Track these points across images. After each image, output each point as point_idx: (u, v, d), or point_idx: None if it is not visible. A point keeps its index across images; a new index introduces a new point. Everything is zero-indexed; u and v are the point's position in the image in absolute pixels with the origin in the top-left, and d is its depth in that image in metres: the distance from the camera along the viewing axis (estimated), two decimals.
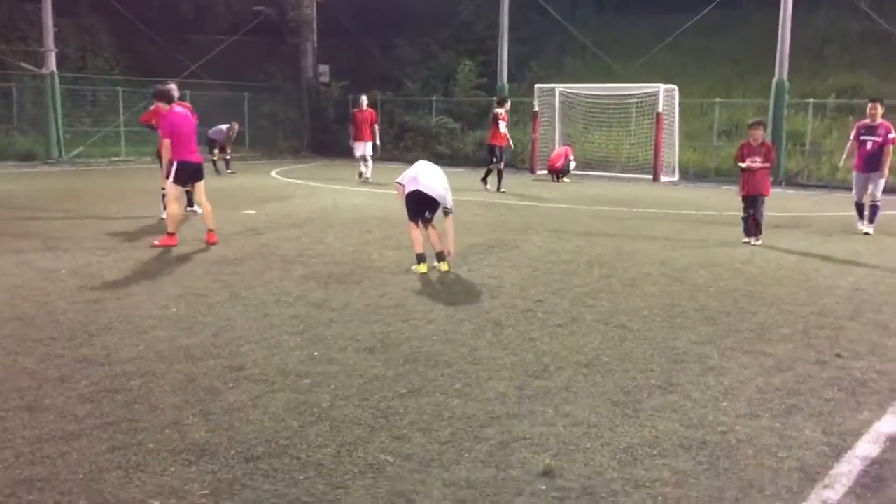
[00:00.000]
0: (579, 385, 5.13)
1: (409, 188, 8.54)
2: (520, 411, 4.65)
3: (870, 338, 6.39)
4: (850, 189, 18.37)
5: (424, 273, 8.50)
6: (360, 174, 19.59)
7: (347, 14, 29.67)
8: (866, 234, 12.06)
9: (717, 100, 22.98)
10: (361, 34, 29.86)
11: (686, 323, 6.76)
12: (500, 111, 18.11)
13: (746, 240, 11.02)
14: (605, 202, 16.38)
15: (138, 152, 25.05)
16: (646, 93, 22.27)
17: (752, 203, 10.98)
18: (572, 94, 24.07)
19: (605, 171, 23.21)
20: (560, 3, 27.60)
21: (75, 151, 23.41)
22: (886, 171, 12.26)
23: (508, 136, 18.44)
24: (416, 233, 8.65)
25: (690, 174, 22.60)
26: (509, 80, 26.05)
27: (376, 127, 19.60)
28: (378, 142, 19.67)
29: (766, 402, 4.89)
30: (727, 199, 15.70)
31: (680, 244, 10.84)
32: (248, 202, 14.66)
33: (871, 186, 12.23)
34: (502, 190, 17.84)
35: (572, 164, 21.65)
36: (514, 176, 23.28)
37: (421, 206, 8.57)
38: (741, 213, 11.27)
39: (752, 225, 11.03)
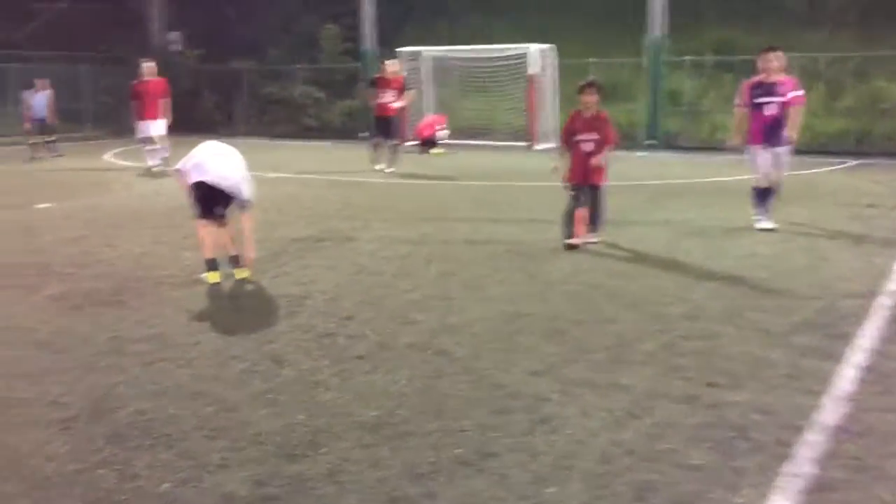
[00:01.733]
0: (352, 468, 3.55)
1: (194, 178, 6.74)
2: None
3: (750, 350, 5.06)
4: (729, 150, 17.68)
5: (216, 283, 6.76)
6: (151, 167, 15.15)
7: None
8: (770, 230, 8.79)
9: (592, 60, 21.75)
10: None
11: (528, 341, 5.28)
12: (384, 75, 15.35)
13: (569, 241, 7.90)
14: (473, 176, 14.88)
15: None
16: (519, 54, 20.84)
17: (584, 194, 8.05)
18: (443, 57, 22.42)
19: (482, 139, 21.74)
20: None
21: None
22: (792, 135, 8.83)
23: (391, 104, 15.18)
24: (206, 233, 6.87)
25: None
26: (381, 45, 24.19)
27: (167, 101, 15.26)
28: (169, 119, 15.31)
29: (607, 482, 3.42)
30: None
31: (543, 225, 9.12)
32: (53, 192, 12.48)
33: (775, 165, 8.96)
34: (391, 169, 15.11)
35: (443, 133, 20.08)
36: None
37: (209, 199, 6.79)
38: (567, 206, 8.17)
39: (578, 220, 7.99)
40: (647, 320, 5.72)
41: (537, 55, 20.29)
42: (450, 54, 22.21)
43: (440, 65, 22.61)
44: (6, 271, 7.29)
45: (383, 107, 15.07)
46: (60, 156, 18.34)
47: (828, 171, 13.87)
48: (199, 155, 6.85)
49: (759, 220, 8.98)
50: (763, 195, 9.04)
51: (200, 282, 6.79)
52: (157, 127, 15.10)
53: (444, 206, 11.27)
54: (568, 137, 8.23)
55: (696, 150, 18.90)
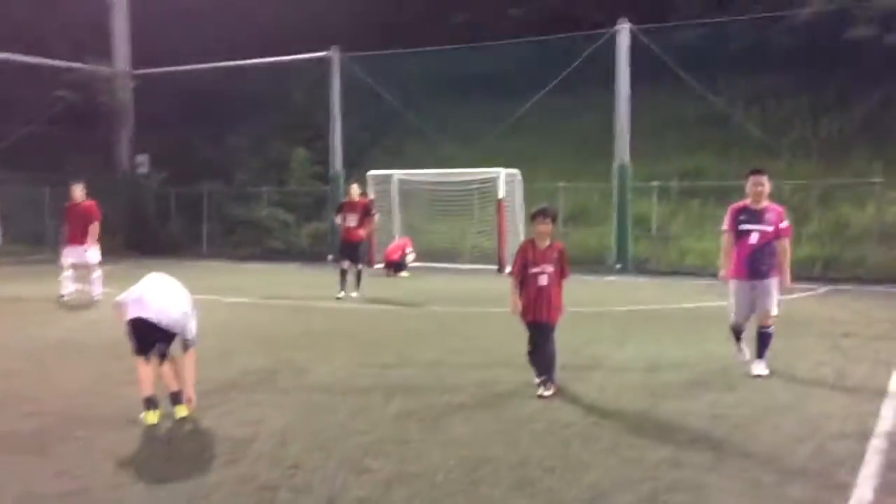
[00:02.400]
0: None
1: (133, 313, 6.25)
2: None
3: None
4: (699, 275, 17.61)
5: (153, 424, 6.15)
6: (61, 295, 14.06)
7: (169, 100, 27.26)
8: (756, 376, 7.84)
9: (561, 184, 21.90)
10: (186, 122, 27.47)
11: (493, 493, 4.73)
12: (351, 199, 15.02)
13: (541, 392, 7.04)
14: (440, 301, 14.47)
15: None
16: (487, 178, 20.91)
17: (541, 333, 7.22)
18: (411, 181, 22.46)
19: (450, 262, 21.50)
20: (398, 87, 26.29)
21: None
22: (786, 277, 8.02)
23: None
24: (145, 370, 6.31)
25: None
26: (350, 168, 24.27)
27: (95, 225, 14.29)
28: (96, 245, 14.32)
29: None
30: (575, 290, 13.87)
31: (514, 356, 8.59)
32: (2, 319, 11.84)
33: (758, 302, 7.99)
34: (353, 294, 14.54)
35: (410, 257, 19.83)
36: None
37: (150, 336, 6.28)
38: (526, 347, 7.33)
39: (541, 364, 7.21)
40: (626, 467, 5.21)
41: (504, 179, 20.36)
42: (419, 177, 22.26)
43: (408, 188, 22.63)
44: None
45: (349, 231, 14.78)
46: None
47: (799, 298, 13.66)
48: (140, 289, 6.40)
49: (740, 356, 8.28)
50: (738, 331, 8.27)
51: (137, 423, 6.18)
52: (78, 253, 14.20)
53: (409, 334, 10.81)
54: (521, 270, 7.24)
55: (665, 274, 18.77)
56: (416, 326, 11.55)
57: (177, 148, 27.51)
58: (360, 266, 14.94)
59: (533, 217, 7.35)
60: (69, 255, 14.36)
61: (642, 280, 18.13)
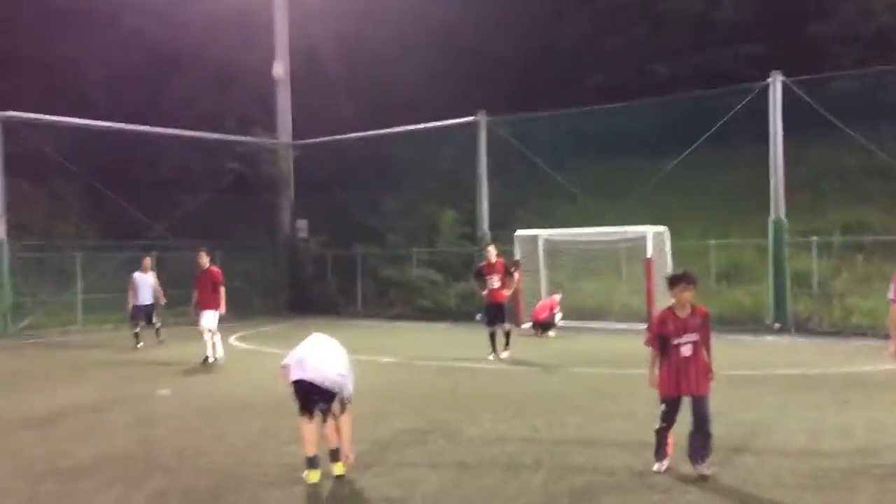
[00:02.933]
0: None
1: (295, 375, 6.72)
2: None
3: None
4: (866, 335, 16.60)
5: (315, 483, 6.53)
6: (207, 357, 14.67)
7: (326, 168, 28.85)
8: None
9: (713, 241, 21.37)
10: (341, 187, 28.92)
11: None
12: (490, 261, 15.02)
13: (658, 466, 6.78)
14: (588, 362, 14.41)
15: (98, 321, 23.50)
16: (634, 236, 20.73)
17: (695, 406, 6.65)
18: (557, 240, 22.57)
19: (598, 321, 21.32)
20: (543, 148, 26.66)
21: (24, 322, 21.81)
22: None
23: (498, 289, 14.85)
24: (309, 429, 6.73)
25: None
26: (497, 228, 24.73)
27: (222, 290, 15.06)
28: (221, 309, 14.97)
29: None
30: (730, 351, 13.35)
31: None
32: (175, 378, 12.83)
33: None
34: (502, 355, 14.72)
35: (558, 317, 19.82)
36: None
37: (310, 396, 6.71)
38: (658, 423, 6.84)
39: (697, 443, 6.67)
40: None
41: (652, 238, 20.12)
42: (565, 237, 22.36)
43: (555, 247, 22.74)
44: (115, 464, 7.32)
45: (494, 292, 15.00)
46: (161, 342, 18.02)
47: None
48: (302, 351, 6.85)
49: None
50: None
51: (300, 481, 6.59)
52: (206, 318, 14.77)
53: (557, 396, 10.84)
54: (660, 342, 6.72)
55: (828, 334, 17.82)
56: (563, 388, 11.56)
57: (333, 213, 28.94)
58: (507, 326, 15.12)
59: (673, 284, 6.73)
60: (199, 320, 14.94)
61: (802, 340, 17.29)
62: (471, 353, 15.18)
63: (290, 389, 6.78)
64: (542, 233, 22.78)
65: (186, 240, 26.17)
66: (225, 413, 9.79)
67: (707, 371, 6.69)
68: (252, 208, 29.13)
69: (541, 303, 20.54)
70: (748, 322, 18.69)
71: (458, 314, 24.33)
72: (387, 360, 14.92)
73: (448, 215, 26.65)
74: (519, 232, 22.87)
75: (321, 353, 6.83)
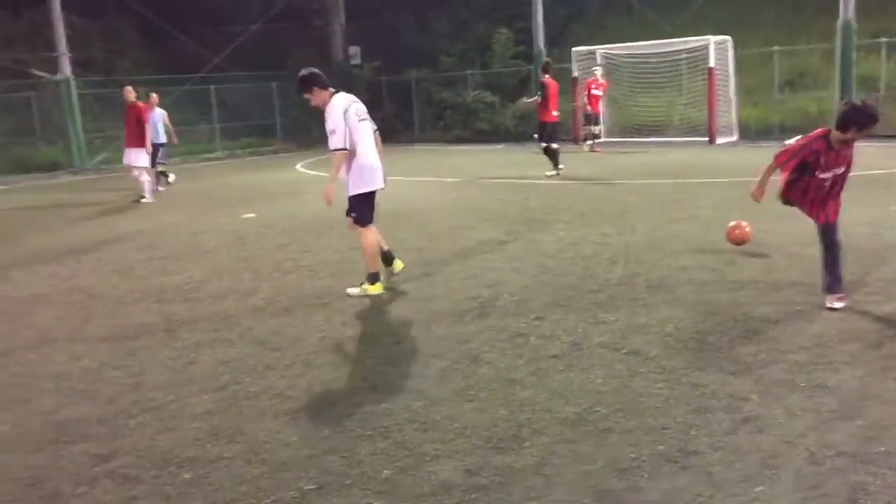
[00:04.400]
0: (557, 462, 3.71)
1: (376, 184, 6.93)
2: None
3: None
4: None
5: (379, 293, 6.97)
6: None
7: None
8: None
9: (777, 48, 20.79)
10: (392, 11, 28.40)
11: (721, 342, 5.23)
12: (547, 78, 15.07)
13: (832, 304, 5.80)
14: (650, 174, 14.68)
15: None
16: (695, 47, 20.29)
17: (830, 234, 5.91)
18: (615, 55, 22.18)
19: (657, 136, 21.33)
20: None
21: (98, 158, 22.63)
22: None
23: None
24: (375, 239, 7.06)
25: (751, 132, 20.54)
26: (550, 46, 24.32)
27: (146, 127, 14.26)
28: (147, 148, 14.31)
29: (819, 483, 3.38)
30: None
31: (727, 221, 8.90)
32: (254, 203, 13.48)
33: None
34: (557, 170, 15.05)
35: (598, 128, 20.20)
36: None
37: (373, 205, 7.06)
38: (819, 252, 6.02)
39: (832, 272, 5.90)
40: (851, 319, 5.51)
41: (714, 47, 19.67)
42: (623, 51, 21.95)
43: (612, 62, 22.38)
44: (226, 277, 8.02)
45: (549, 112, 14.89)
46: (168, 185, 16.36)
47: None
48: (372, 157, 6.84)
49: None
50: None
51: (397, 286, 7.18)
52: (131, 157, 14.27)
53: (623, 206, 11.20)
54: (801, 168, 5.84)
55: (893, 137, 17.63)
56: (628, 199, 11.89)
57: (384, 37, 28.61)
58: (555, 146, 15.13)
59: (857, 123, 5.55)
60: (127, 158, 14.41)
61: (865, 144, 17.16)
62: (532, 172, 15.51)
63: (356, 201, 6.88)
64: (600, 48, 22.37)
65: (243, 71, 26.37)
66: (310, 232, 10.40)
67: (839, 201, 5.95)
68: (304, 37, 28.92)
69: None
70: (813, 129, 18.47)
71: (515, 135, 24.48)
72: (452, 180, 15.36)
73: (501, 34, 26.18)
74: (575, 48, 22.51)
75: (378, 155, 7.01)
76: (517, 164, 17.93)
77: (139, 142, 14.19)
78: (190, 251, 9.50)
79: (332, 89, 6.86)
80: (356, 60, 28.87)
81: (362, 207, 6.89)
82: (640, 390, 4.51)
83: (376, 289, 6.92)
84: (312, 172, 18.92)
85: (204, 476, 3.75)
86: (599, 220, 10.07)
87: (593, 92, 19.76)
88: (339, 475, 3.68)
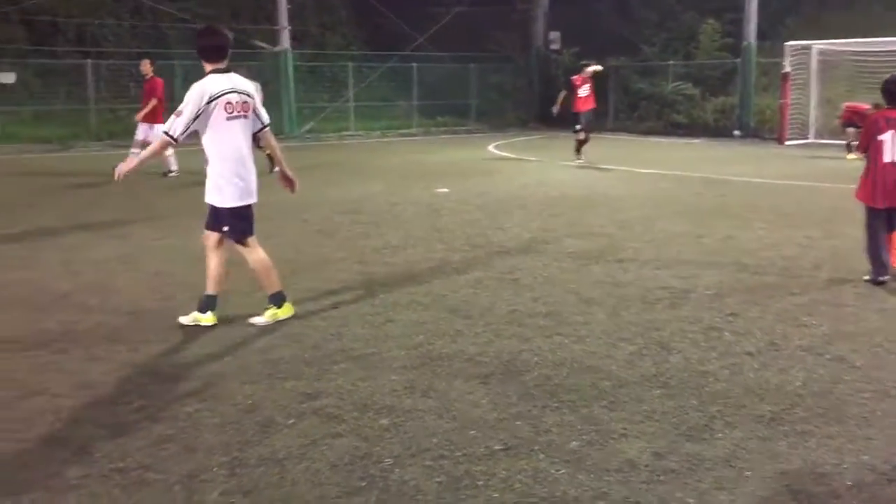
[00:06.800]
0: (749, 457, 3.63)
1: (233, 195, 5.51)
2: (645, 499, 3.28)
3: None
4: None
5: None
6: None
7: None
8: None
9: None
10: None
11: None
12: (577, 77, 16.73)
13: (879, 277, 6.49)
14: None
15: (366, 127, 25.36)
16: None
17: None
18: (832, 51, 20.79)
19: None
20: None
21: (306, 127, 24.00)
22: None
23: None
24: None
25: None
26: (761, 39, 23.17)
27: (154, 102, 13.65)
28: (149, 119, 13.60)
29: None
30: None
31: None
32: (447, 179, 13.85)
33: None
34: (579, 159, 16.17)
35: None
36: (759, 146, 20.68)
37: None
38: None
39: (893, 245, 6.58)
40: None
41: None
42: (842, 48, 20.55)
43: (830, 58, 21.02)
44: (420, 245, 8.35)
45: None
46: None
47: None
48: None
49: None
50: None
51: (591, 263, 7.20)
52: (144, 132, 13.50)
53: (831, 209, 10.54)
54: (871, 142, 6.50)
55: None
56: (838, 203, 11.11)
57: (585, 24, 28.31)
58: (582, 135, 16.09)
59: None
60: (141, 133, 13.60)
61: None
62: (733, 169, 14.91)
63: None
64: (817, 44, 21.05)
65: (441, 51, 27.02)
66: (502, 210, 10.58)
67: None
68: (506, 20, 29.17)
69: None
70: None
71: (713, 130, 23.59)
72: (646, 171, 15.07)
73: (709, 25, 25.23)
74: (789, 42, 21.32)
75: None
76: (716, 160, 17.30)
77: (154, 117, 13.42)
78: (388, 219, 9.94)
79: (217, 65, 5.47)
80: (555, 46, 28.78)
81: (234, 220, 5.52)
82: (844, 398, 4.29)
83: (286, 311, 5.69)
84: (503, 153, 19.15)
85: (399, 424, 3.97)
86: (804, 222, 9.57)
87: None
88: (526, 440, 3.79)
